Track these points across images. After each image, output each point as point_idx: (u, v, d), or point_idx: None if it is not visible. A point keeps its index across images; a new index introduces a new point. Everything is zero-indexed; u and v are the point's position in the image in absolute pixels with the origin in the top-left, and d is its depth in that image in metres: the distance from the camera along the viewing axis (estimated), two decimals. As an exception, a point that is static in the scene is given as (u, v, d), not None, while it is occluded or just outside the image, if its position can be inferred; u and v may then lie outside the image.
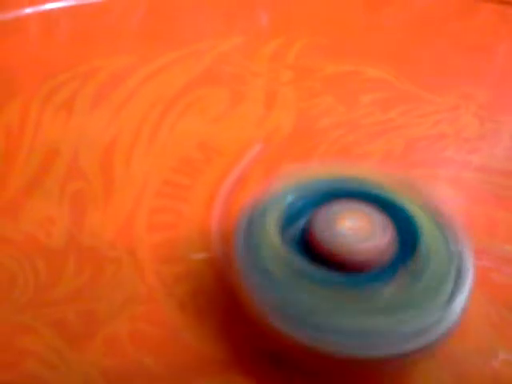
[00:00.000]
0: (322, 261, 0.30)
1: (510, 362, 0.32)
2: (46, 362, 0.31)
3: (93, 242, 0.35)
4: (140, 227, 0.36)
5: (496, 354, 0.33)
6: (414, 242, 0.30)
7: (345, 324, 0.29)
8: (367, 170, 0.33)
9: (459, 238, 0.31)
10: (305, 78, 0.44)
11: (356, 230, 0.30)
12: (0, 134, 0.38)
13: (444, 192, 0.40)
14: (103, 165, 0.38)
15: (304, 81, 0.44)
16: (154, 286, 0.34)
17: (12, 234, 0.35)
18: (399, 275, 0.30)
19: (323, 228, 0.30)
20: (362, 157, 0.41)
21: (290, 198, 0.32)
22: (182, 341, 0.33)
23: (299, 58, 0.45)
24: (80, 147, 0.39)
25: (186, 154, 0.39)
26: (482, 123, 0.43)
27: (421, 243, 0.30)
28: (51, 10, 0.45)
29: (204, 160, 0.39)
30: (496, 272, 0.36)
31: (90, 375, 0.31)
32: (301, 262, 0.30)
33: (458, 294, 0.29)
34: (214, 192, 0.38)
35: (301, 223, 0.31)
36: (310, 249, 0.30)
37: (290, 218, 0.31)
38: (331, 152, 0.41)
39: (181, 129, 0.40)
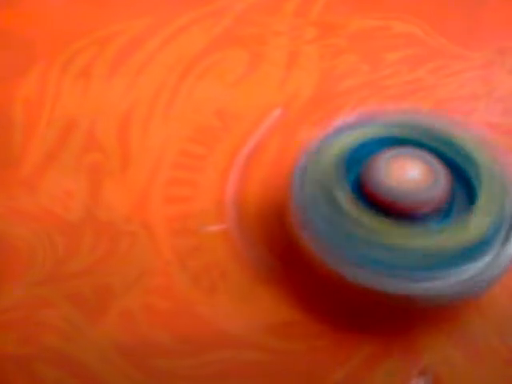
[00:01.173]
0: (375, 206, 0.30)
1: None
2: (63, 335, 0.33)
3: (109, 215, 0.36)
4: (155, 200, 0.36)
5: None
6: (471, 192, 0.31)
7: (394, 263, 0.29)
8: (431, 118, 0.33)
9: None
10: (329, 35, 0.42)
11: (411, 179, 0.30)
12: (19, 106, 0.39)
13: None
14: (120, 135, 0.38)
15: (328, 38, 0.42)
16: (169, 259, 0.35)
17: (31, 208, 0.36)
18: (452, 222, 0.30)
19: (378, 174, 0.30)
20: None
21: (349, 140, 0.32)
22: (195, 314, 0.33)
23: (323, 14, 0.42)
24: (97, 117, 0.39)
25: (203, 121, 0.39)
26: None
27: (478, 194, 0.30)
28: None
29: (221, 128, 0.39)
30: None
31: (105, 348, 0.32)
32: (354, 202, 0.30)
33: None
34: (231, 162, 0.38)
35: (357, 166, 0.32)
36: (364, 192, 0.31)
37: (347, 160, 0.32)
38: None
39: (198, 95, 0.40)
